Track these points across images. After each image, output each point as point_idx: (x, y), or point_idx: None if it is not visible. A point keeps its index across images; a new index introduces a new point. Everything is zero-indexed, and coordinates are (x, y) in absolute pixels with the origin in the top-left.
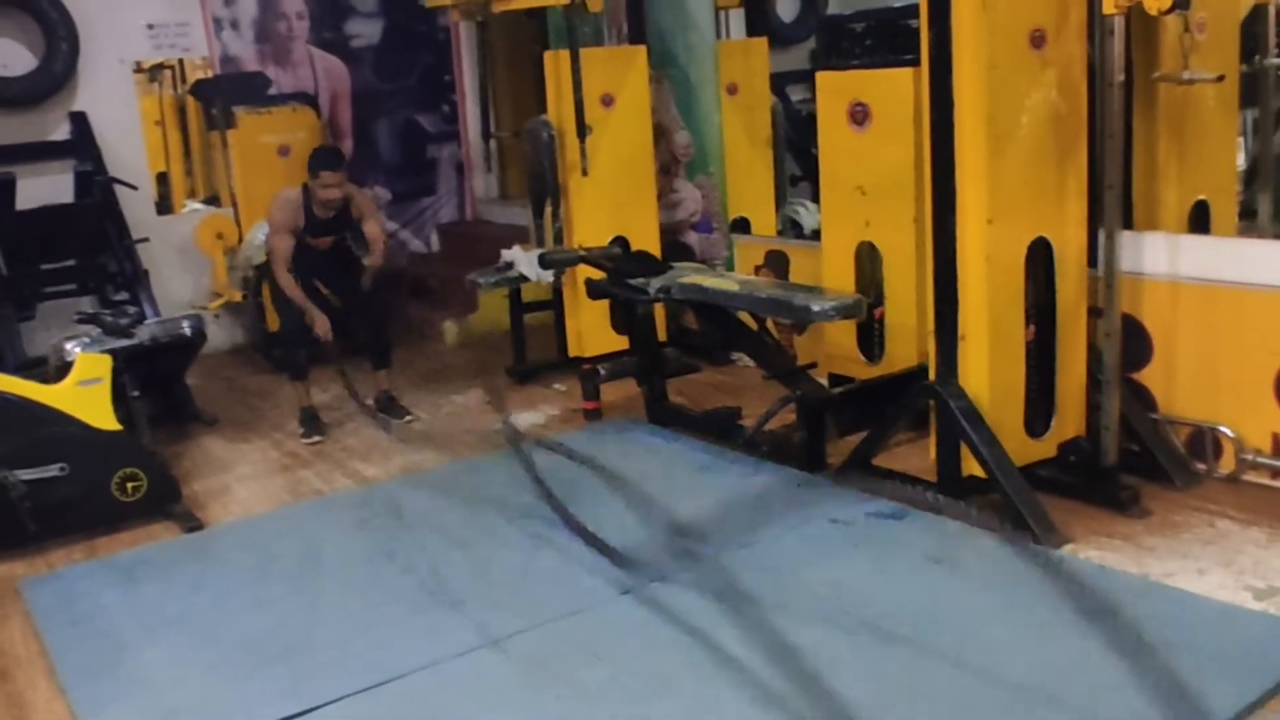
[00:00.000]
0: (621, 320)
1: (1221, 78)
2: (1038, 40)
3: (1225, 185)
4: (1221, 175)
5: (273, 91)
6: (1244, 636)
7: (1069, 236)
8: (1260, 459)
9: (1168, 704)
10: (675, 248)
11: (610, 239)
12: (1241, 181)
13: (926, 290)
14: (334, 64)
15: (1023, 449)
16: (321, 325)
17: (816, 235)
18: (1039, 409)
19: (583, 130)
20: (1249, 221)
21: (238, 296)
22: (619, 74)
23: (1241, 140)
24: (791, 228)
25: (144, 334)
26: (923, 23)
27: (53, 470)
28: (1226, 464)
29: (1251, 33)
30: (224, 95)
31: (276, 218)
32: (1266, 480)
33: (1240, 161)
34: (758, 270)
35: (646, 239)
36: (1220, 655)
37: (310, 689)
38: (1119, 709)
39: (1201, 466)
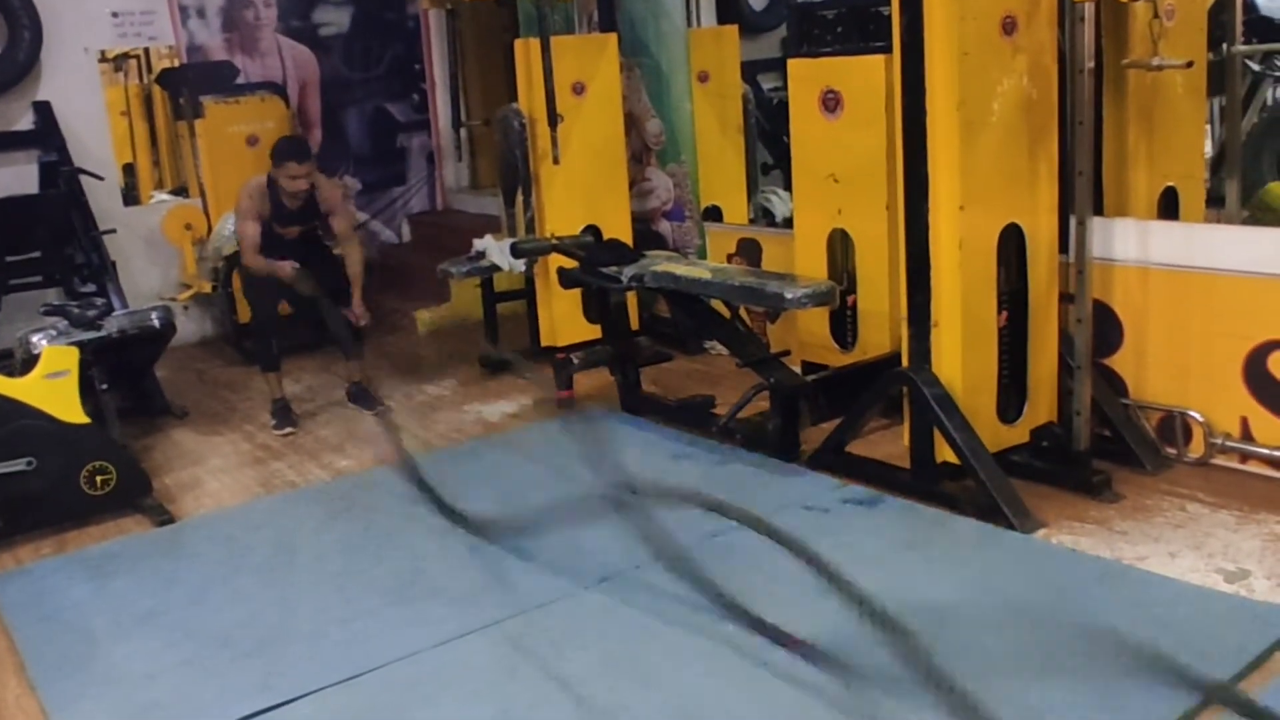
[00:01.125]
0: (594, 309)
1: (1190, 64)
2: (1009, 27)
3: (1194, 172)
4: (1190, 162)
5: (240, 81)
6: (1215, 619)
7: (1040, 223)
8: (1229, 443)
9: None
10: (647, 236)
11: (582, 228)
12: (1209, 168)
13: (899, 277)
14: (302, 53)
15: (996, 435)
16: (286, 271)
17: (788, 223)
18: (1011, 395)
19: (554, 119)
20: (1217, 209)
21: (207, 288)
22: (590, 62)
23: (1209, 127)
24: (763, 216)
25: (112, 326)
26: (894, 9)
27: (20, 465)
28: (1196, 448)
29: (1219, 21)
30: (191, 85)
31: (243, 205)
32: (1236, 464)
33: (1208, 148)
34: (730, 258)
35: (618, 227)
36: (1192, 638)
37: (286, 682)
38: (1099, 688)
39: (1172, 451)
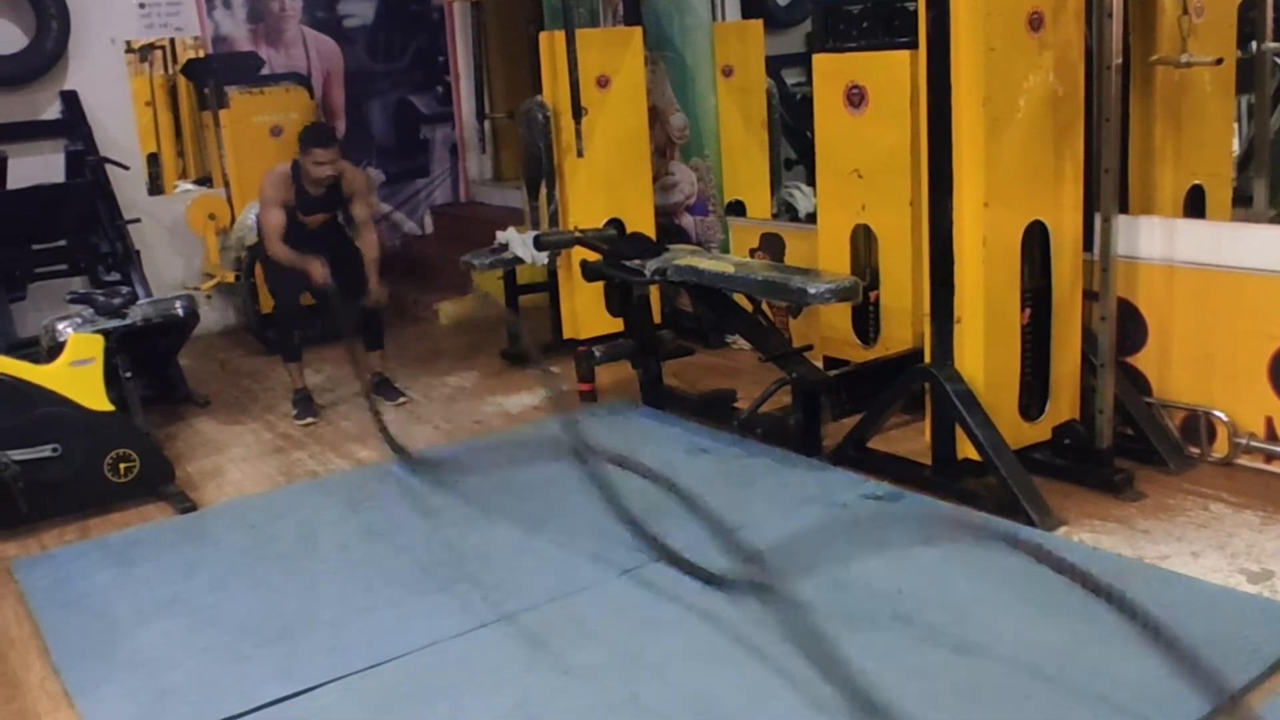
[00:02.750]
0: (616, 302)
1: (1220, 61)
2: (1036, 23)
3: (1221, 170)
4: (1217, 160)
5: (265, 72)
6: (1238, 619)
7: (1065, 220)
8: (1254, 443)
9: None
10: (670, 230)
11: (605, 221)
12: (1236, 167)
13: (922, 273)
14: (327, 44)
15: (1017, 432)
16: (318, 271)
17: (811, 218)
18: (1034, 392)
19: (578, 111)
20: (1244, 208)
21: (230, 277)
22: (615, 55)
23: (1237, 125)
24: (786, 211)
25: (136, 314)
26: (920, 5)
27: (45, 451)
28: (1220, 448)
29: (1248, 17)
30: (216, 75)
31: (267, 192)
32: (1260, 464)
33: (1235, 146)
34: (753, 253)
35: (642, 221)
36: (1214, 638)
37: (307, 670)
38: (1118, 687)
39: (1195, 450)
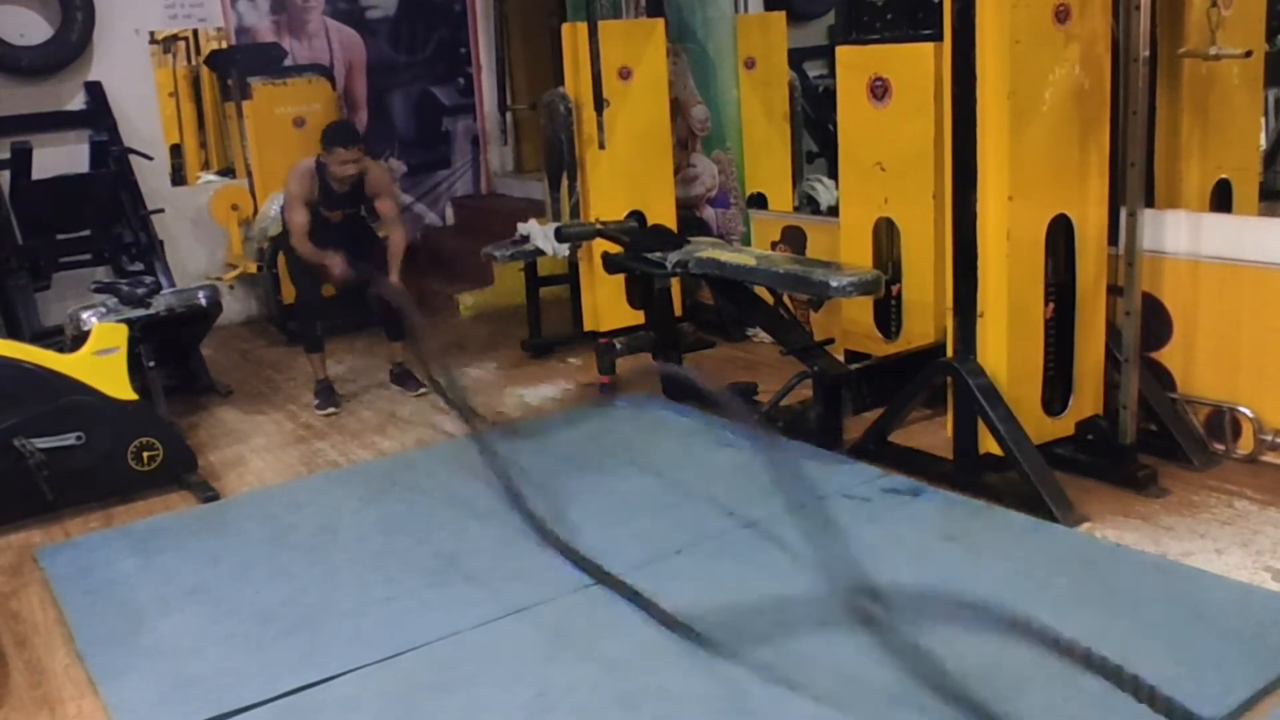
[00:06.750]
0: (638, 295)
1: (1249, 54)
2: (1062, 15)
3: (1248, 164)
4: (1245, 154)
5: (288, 63)
6: (1262, 617)
7: (1090, 214)
8: (1279, 440)
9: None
10: (692, 222)
11: (627, 213)
12: (1264, 161)
13: (945, 267)
14: (350, 35)
15: (1040, 427)
16: (337, 265)
17: (833, 211)
18: (1057, 387)
19: (600, 103)
20: (1271, 202)
21: (253, 268)
22: (637, 47)
23: (1264, 119)
24: (808, 204)
25: (160, 304)
26: None
27: (70, 439)
28: (1245, 444)
29: (1277, 10)
30: (239, 66)
31: (292, 190)
32: None
33: (1263, 141)
34: (774, 246)
35: (663, 213)
36: (1238, 635)
37: (328, 659)
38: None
39: (1220, 447)
